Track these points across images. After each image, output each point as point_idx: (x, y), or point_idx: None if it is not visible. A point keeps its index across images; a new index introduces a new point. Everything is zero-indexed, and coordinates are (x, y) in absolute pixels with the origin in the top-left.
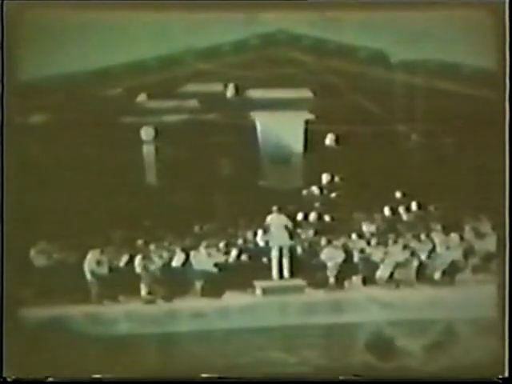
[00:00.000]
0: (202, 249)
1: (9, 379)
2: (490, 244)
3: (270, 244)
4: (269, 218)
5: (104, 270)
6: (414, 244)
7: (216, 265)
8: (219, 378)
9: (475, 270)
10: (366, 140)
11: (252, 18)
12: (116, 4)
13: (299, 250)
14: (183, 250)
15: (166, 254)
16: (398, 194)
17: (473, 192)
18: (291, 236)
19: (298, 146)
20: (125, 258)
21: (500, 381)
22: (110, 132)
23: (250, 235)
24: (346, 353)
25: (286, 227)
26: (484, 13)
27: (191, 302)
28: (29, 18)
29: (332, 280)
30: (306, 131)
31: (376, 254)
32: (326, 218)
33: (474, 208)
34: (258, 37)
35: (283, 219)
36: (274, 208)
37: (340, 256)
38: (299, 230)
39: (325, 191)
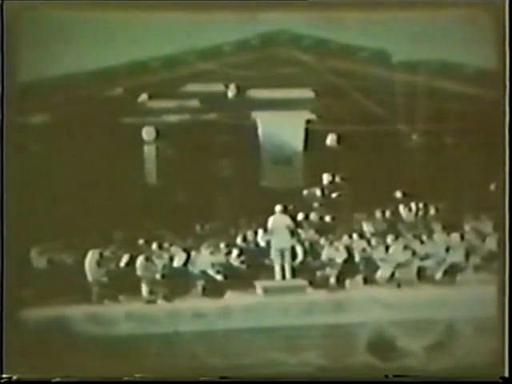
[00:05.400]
0: (202, 249)
1: (11, 378)
2: (491, 244)
3: (273, 245)
4: (272, 219)
5: (104, 269)
6: (414, 244)
7: (217, 265)
8: (220, 378)
9: (476, 270)
10: (366, 140)
11: (253, 18)
12: (117, 4)
13: (300, 250)
14: (184, 249)
15: (166, 254)
16: (398, 194)
17: (473, 192)
18: (293, 237)
19: (298, 145)
20: (125, 258)
21: (500, 381)
22: (110, 132)
23: (250, 235)
24: (348, 353)
25: (289, 229)
26: (484, 13)
27: (192, 302)
28: (29, 18)
29: (333, 280)
30: (306, 131)
31: (377, 254)
32: (327, 217)
33: (474, 208)
34: (259, 37)
35: (287, 220)
36: (278, 208)
37: (341, 256)
38: (300, 230)
39: (326, 191)
